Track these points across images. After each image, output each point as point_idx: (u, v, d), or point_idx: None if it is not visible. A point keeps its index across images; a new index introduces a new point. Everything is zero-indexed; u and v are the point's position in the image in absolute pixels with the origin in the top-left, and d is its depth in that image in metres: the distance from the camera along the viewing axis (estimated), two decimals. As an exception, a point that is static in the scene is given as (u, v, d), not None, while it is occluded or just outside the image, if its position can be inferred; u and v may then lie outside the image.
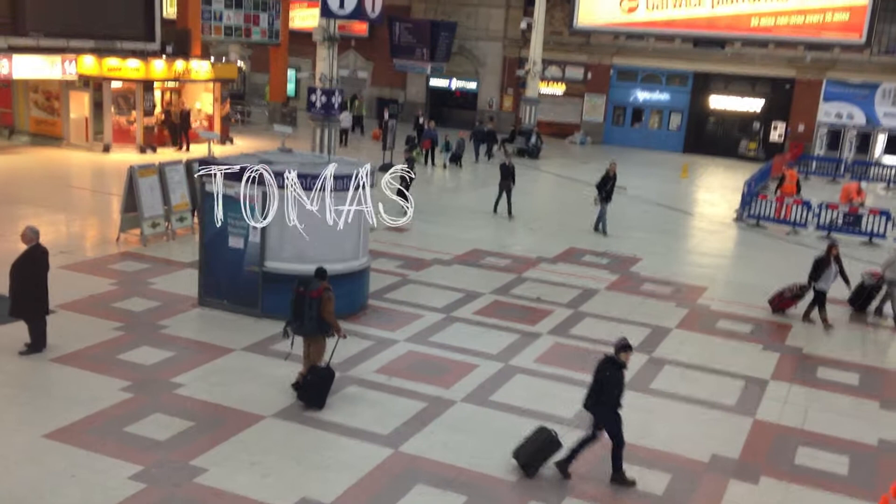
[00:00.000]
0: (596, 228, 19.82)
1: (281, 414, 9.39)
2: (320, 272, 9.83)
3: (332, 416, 9.41)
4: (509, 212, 20.58)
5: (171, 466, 8.12)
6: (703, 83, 36.52)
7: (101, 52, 24.98)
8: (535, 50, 32.91)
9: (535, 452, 8.60)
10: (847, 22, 32.69)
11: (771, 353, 12.61)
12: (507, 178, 20.58)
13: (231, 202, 12.10)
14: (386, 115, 30.66)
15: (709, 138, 37.03)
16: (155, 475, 7.94)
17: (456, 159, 28.40)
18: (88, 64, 24.63)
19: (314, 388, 9.59)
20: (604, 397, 8.46)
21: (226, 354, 10.93)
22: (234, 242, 12.22)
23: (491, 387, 10.57)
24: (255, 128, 33.90)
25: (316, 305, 9.53)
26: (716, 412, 10.36)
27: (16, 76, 23.79)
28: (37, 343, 10.44)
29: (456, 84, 39.91)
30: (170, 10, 33.62)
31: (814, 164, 32.79)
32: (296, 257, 12.09)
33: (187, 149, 26.04)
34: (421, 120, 31.54)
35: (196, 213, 16.14)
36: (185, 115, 26.75)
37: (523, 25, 35.02)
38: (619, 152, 35.56)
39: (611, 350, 8.67)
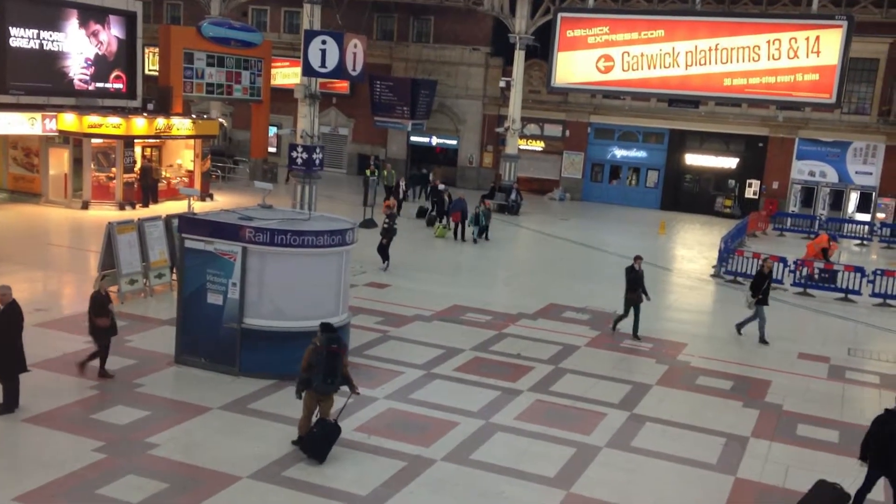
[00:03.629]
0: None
1: (257, 475, 9.21)
2: (331, 327, 9.85)
3: (310, 477, 9.25)
4: (635, 331, 15.90)
5: (144, 530, 7.92)
6: (679, 141, 37.21)
7: (81, 109, 25.09)
8: (514, 108, 33.50)
9: None
10: (817, 82, 33.50)
11: (751, 409, 12.61)
12: (638, 287, 15.83)
13: (211, 258, 12.07)
14: (372, 166, 31.18)
15: (685, 195, 37.59)
16: (127, 540, 7.74)
17: (484, 231, 25.52)
18: (69, 120, 24.71)
19: (322, 441, 9.59)
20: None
21: (202, 413, 10.76)
22: (213, 299, 12.14)
23: (472, 445, 10.45)
24: (235, 184, 33.99)
25: (340, 362, 9.64)
26: (697, 470, 10.30)
27: (-5, 132, 23.82)
28: (9, 403, 10.23)
29: (436, 141, 40.37)
30: (152, 67, 33.95)
31: (788, 220, 33.30)
32: (275, 314, 12.03)
33: (146, 205, 25.89)
34: (440, 186, 28.61)
35: (174, 270, 16.07)
36: (146, 171, 26.49)
37: (502, 84, 35.68)
38: (598, 209, 36.01)
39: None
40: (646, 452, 10.68)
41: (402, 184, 30.46)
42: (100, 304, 11.63)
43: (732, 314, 18.87)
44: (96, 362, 11.71)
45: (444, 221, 26.50)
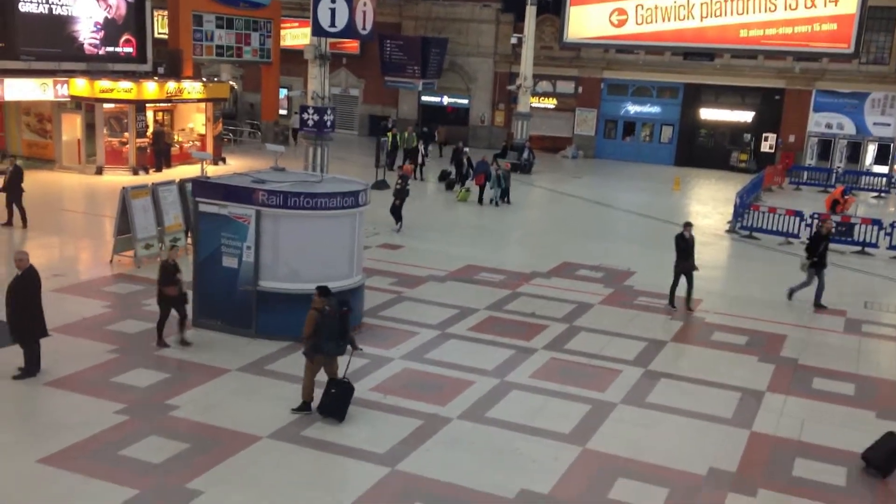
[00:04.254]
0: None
1: (276, 434, 9.35)
2: (329, 291, 9.88)
3: (328, 436, 9.38)
4: (688, 300, 15.09)
5: (167, 489, 8.07)
6: (694, 95, 36.73)
7: (92, 74, 25.03)
8: (526, 65, 33.11)
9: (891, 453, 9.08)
10: (835, 32, 32.89)
11: (766, 364, 12.62)
12: (689, 256, 15.05)
13: (225, 222, 12.11)
14: (389, 125, 30.64)
15: (700, 150, 37.20)
16: (150, 499, 7.89)
17: (505, 194, 24.94)
18: (80, 86, 24.68)
19: (341, 400, 9.72)
20: None
21: (221, 375, 10.89)
22: (228, 262, 12.20)
23: (487, 403, 10.54)
24: (247, 147, 33.94)
25: (349, 323, 9.81)
26: (712, 425, 10.35)
27: (7, 99, 23.82)
28: (31, 367, 10.39)
29: (448, 100, 40.05)
30: (161, 30, 33.74)
31: (805, 174, 32.94)
32: (290, 276, 12.08)
33: (159, 169, 25.90)
34: (464, 149, 27.54)
35: (189, 234, 16.15)
36: (158, 136, 26.44)
37: (513, 41, 35.24)
38: (611, 166, 35.75)
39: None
40: (661, 408, 10.74)
41: (422, 147, 29.95)
42: (168, 272, 11.56)
43: (748, 270, 18.83)
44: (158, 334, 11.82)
45: (466, 185, 25.92)
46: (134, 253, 15.71)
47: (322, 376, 9.89)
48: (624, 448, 9.55)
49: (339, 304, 9.75)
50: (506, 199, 24.86)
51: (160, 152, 26.29)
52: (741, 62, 34.93)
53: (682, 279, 15.06)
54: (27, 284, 10.26)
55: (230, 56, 32.42)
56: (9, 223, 17.75)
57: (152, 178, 23.90)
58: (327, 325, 9.58)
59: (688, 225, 15.24)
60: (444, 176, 27.51)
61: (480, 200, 24.77)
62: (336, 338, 9.69)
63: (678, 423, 10.36)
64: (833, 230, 15.79)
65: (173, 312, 11.75)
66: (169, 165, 26.37)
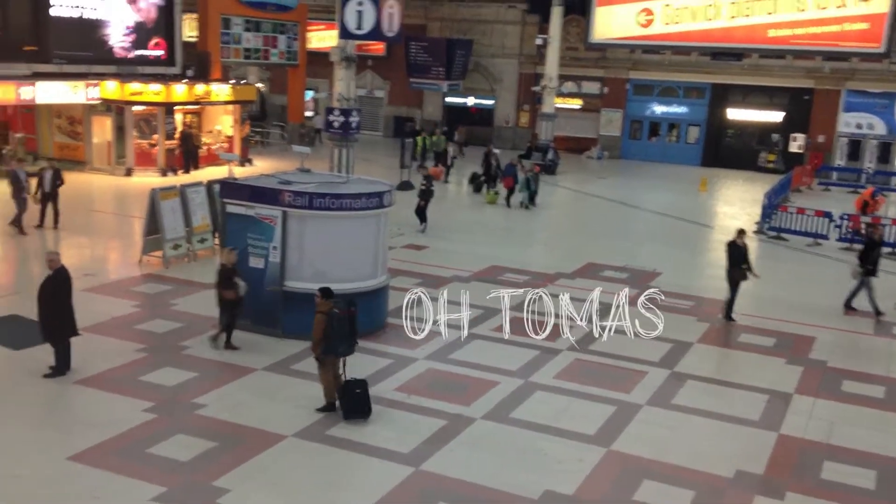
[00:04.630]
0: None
1: (301, 434, 9.41)
2: (332, 292, 9.95)
3: (352, 435, 9.43)
4: (729, 310, 14.47)
5: (194, 487, 8.16)
6: (721, 95, 36.41)
7: (123, 77, 25.37)
8: (551, 66, 33.03)
9: None
10: (866, 31, 32.46)
11: (794, 366, 12.48)
12: (741, 263, 14.36)
13: (252, 222, 12.23)
14: (417, 128, 30.46)
15: (727, 151, 36.85)
16: (177, 496, 7.99)
17: (533, 197, 24.53)
18: (111, 88, 25.02)
19: (366, 396, 9.80)
20: None
21: (247, 374, 10.99)
22: (255, 262, 12.31)
23: (511, 404, 10.54)
24: (273, 149, 34.20)
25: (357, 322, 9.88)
26: (739, 427, 10.26)
27: (39, 101, 24.21)
28: (61, 366, 10.56)
29: (472, 101, 40.05)
30: (190, 33, 34.11)
31: (834, 174, 32.54)
32: (315, 276, 12.15)
33: (187, 171, 26.18)
34: (494, 151, 27.10)
35: (216, 235, 16.32)
36: (186, 137, 26.67)
37: (539, 42, 35.15)
38: (637, 166, 35.55)
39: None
40: (687, 410, 10.66)
41: (451, 150, 29.66)
42: (226, 276, 11.52)
43: (776, 271, 18.60)
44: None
45: (495, 187, 25.45)
46: (162, 253, 15.90)
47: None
48: (649, 449, 9.50)
49: (347, 304, 9.84)
50: (533, 201, 24.56)
51: (188, 154, 26.56)
52: (769, 62, 34.57)
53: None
54: (58, 284, 10.43)
55: (257, 58, 32.69)
56: (41, 224, 18.03)
57: (181, 179, 24.17)
58: (339, 327, 9.65)
59: (741, 232, 14.64)
60: (473, 178, 27.16)
61: (508, 203, 24.46)
62: (347, 338, 9.77)
63: (705, 425, 10.28)
64: (882, 236, 15.39)
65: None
66: (197, 167, 26.64)
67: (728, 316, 14.37)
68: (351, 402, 9.79)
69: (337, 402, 9.88)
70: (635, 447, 9.54)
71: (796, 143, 35.32)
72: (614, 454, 9.38)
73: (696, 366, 12.26)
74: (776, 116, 35.84)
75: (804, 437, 10.11)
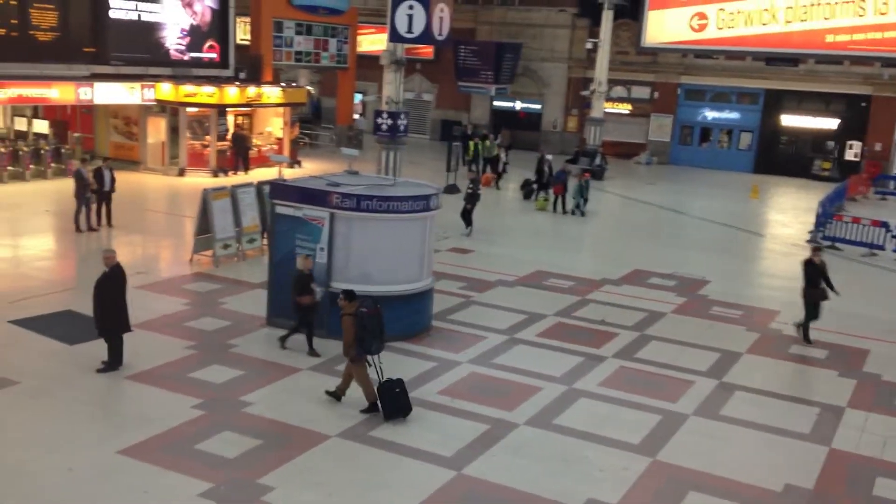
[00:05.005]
0: None
1: (345, 434, 9.48)
2: (355, 294, 10.18)
3: (396, 437, 9.47)
4: (805, 330, 13.71)
5: (239, 484, 8.28)
6: (775, 101, 35.73)
7: (177, 79, 25.89)
8: (601, 70, 32.77)
9: None
10: (927, 37, 31.55)
11: (847, 379, 12.18)
12: (819, 283, 13.58)
13: (300, 224, 12.37)
14: (468, 132, 30.04)
15: (780, 158, 36.13)
16: (223, 493, 8.11)
17: (584, 204, 24.10)
18: (166, 90, 25.56)
19: (404, 398, 9.91)
20: None
21: (293, 374, 11.11)
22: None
23: (554, 410, 10.47)
24: (321, 151, 34.54)
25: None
26: (789, 440, 10.05)
27: (97, 102, 24.85)
28: (114, 361, 10.81)
29: (520, 105, 39.95)
30: (243, 36, 34.68)
31: (892, 183, 31.65)
32: (361, 278, 12.24)
33: (243, 171, 26.60)
34: (547, 157, 26.20)
35: (265, 235, 16.54)
36: (239, 139, 27.07)
37: (588, 46, 34.92)
38: (687, 172, 35.07)
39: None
40: (735, 421, 10.48)
41: (504, 156, 29.11)
42: (303, 282, 11.56)
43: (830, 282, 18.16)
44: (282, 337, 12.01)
45: (545, 194, 24.94)
46: (212, 252, 16.17)
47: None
48: (696, 461, 9.36)
49: (373, 303, 9.99)
50: (580, 210, 23.98)
51: (241, 155, 26.99)
52: (826, 67, 33.83)
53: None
54: (114, 281, 10.68)
55: (308, 61, 33.06)
56: (98, 226, 18.35)
57: (232, 180, 24.56)
58: (370, 325, 9.78)
59: (817, 250, 14.07)
60: (525, 184, 26.44)
61: (555, 208, 24.15)
62: (378, 336, 9.91)
63: (753, 437, 10.09)
64: None
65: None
66: (248, 168, 27.05)
67: (806, 338, 13.59)
68: (391, 402, 9.87)
69: (378, 403, 9.95)
70: (681, 458, 9.40)
71: (852, 151, 34.48)
72: (660, 464, 9.26)
73: (745, 376, 12.04)
74: (832, 123, 35.04)
75: (856, 451, 9.86)
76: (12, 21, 22.42)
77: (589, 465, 9.14)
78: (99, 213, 18.49)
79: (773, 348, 13.41)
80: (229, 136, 27.04)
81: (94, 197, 18.31)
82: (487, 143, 30.09)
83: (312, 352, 11.75)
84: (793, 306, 15.77)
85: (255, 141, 28.48)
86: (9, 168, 23.22)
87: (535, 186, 25.88)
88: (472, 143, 29.51)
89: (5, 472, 8.26)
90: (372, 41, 38.85)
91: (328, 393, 10.28)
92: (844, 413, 10.95)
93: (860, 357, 13.17)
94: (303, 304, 11.62)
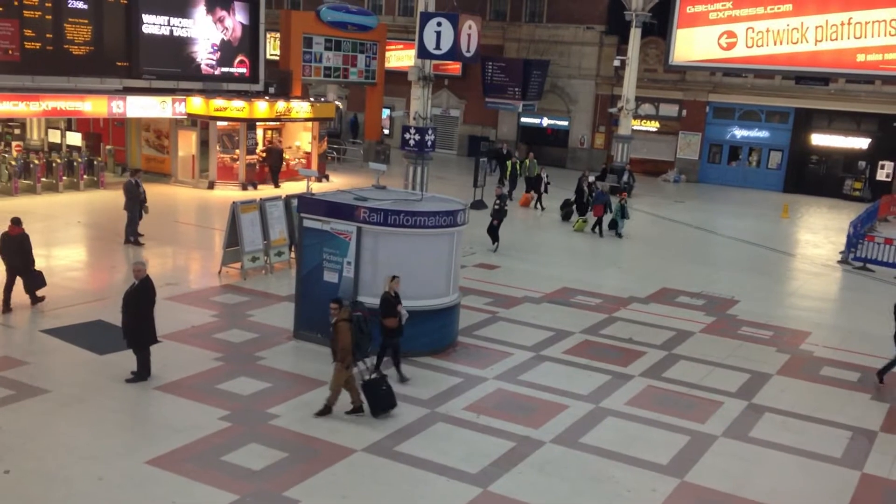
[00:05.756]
0: None
1: (371, 448, 9.47)
2: (342, 300, 10.43)
3: (421, 452, 9.44)
4: (884, 372, 12.76)
5: (265, 496, 8.29)
6: (805, 120, 35.41)
7: (208, 93, 26.22)
8: (629, 87, 32.68)
9: None
10: (961, 56, 31.13)
11: (880, 403, 11.97)
12: None
13: (327, 238, 12.43)
14: (514, 157, 29.04)
15: (811, 177, 35.76)
16: (249, 504, 8.13)
17: (614, 225, 23.53)
18: (196, 104, 25.89)
19: (391, 394, 10.22)
20: None
21: (319, 387, 11.09)
22: (329, 277, 12.50)
23: (581, 429, 10.39)
24: (349, 165, 34.76)
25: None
26: (820, 464, 9.88)
27: (129, 115, 25.22)
28: (142, 372, 10.90)
29: (547, 122, 39.95)
30: (273, 51, 35.06)
31: (925, 204, 31.14)
32: (388, 293, 12.25)
33: (276, 185, 26.86)
34: (590, 178, 25.75)
35: (293, 248, 16.64)
36: (272, 153, 27.35)
37: (616, 63, 34.86)
38: (715, 191, 34.82)
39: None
40: (765, 443, 10.32)
41: (545, 176, 27.76)
42: (389, 304, 11.20)
43: (861, 303, 17.93)
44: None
45: (585, 215, 24.21)
46: (241, 265, 16.29)
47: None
48: (725, 483, 9.22)
49: (360, 307, 10.33)
50: (614, 230, 23.43)
51: (274, 169, 27.20)
52: (857, 87, 33.48)
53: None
54: (143, 294, 10.78)
55: (337, 77, 33.36)
56: (141, 242, 18.50)
57: (261, 193, 24.74)
58: (365, 328, 10.06)
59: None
60: (565, 205, 25.32)
61: (595, 230, 23.33)
62: (367, 339, 10.19)
63: (783, 460, 9.93)
64: None
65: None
66: (276, 182, 27.26)
67: (881, 377, 12.79)
68: (379, 399, 10.11)
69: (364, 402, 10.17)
70: (710, 479, 9.28)
71: (884, 171, 34.03)
72: (688, 485, 9.14)
73: (775, 398, 11.87)
74: (863, 143, 34.64)
75: (889, 477, 9.67)
76: (47, 35, 22.87)
77: (616, 485, 9.05)
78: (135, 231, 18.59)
79: (803, 370, 13.21)
80: (259, 151, 27.29)
81: (146, 208, 18.41)
82: (527, 161, 29.21)
83: (402, 377, 11.41)
84: (823, 327, 15.60)
85: (284, 154, 28.71)
86: (42, 179, 23.61)
87: (574, 207, 24.95)
88: (509, 163, 28.76)
89: (38, 479, 8.35)
90: (400, 57, 39.14)
91: (350, 413, 10.24)
92: (877, 437, 10.75)
93: (893, 381, 12.91)
94: (387, 326, 11.24)
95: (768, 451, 10.13)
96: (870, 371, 13.24)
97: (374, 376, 10.26)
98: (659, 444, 10.07)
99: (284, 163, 28.35)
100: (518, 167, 29.12)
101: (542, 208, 26.74)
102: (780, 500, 8.91)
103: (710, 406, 11.39)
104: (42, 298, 13.65)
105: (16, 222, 13.48)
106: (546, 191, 27.41)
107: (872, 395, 12.25)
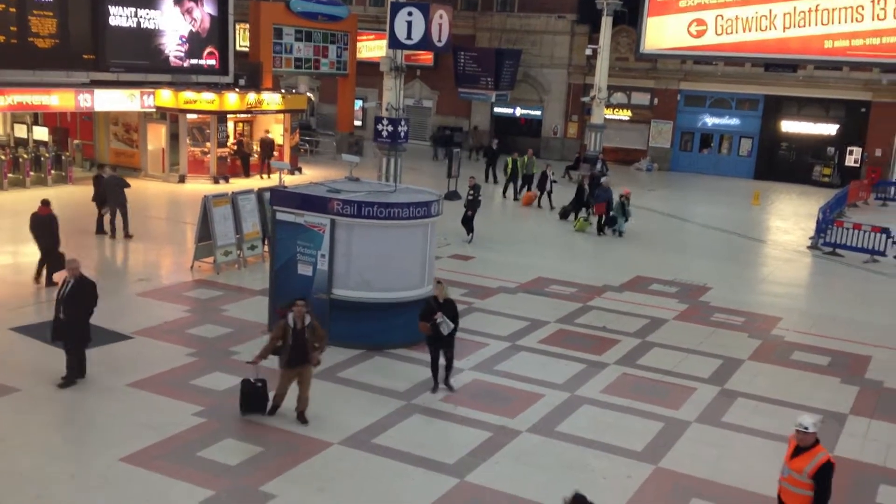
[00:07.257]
0: None
1: (348, 441, 9.46)
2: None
3: (399, 445, 9.44)
4: None
5: (241, 492, 8.25)
6: (775, 107, 35.78)
7: (177, 86, 25.91)
8: (601, 76, 32.77)
9: None
10: (926, 43, 31.59)
11: (850, 386, 12.16)
12: None
13: (301, 230, 12.36)
14: (515, 155, 27.87)
15: (781, 164, 36.17)
16: (224, 500, 8.08)
17: (612, 222, 22.53)
18: (165, 97, 25.58)
19: (265, 396, 10.00)
20: None
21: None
22: (303, 270, 12.44)
23: (557, 417, 10.45)
24: (322, 157, 34.56)
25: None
26: (792, 447, 10.00)
27: (97, 109, 24.85)
28: (78, 371, 10.51)
29: (520, 111, 39.99)
30: (242, 43, 34.70)
31: (892, 189, 31.67)
32: (362, 285, 12.24)
33: (248, 176, 27.05)
34: (598, 169, 24.68)
35: (266, 242, 16.53)
36: (244, 146, 27.64)
37: (588, 52, 34.93)
38: (687, 179, 35.10)
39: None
40: (737, 428, 10.45)
41: (551, 174, 26.12)
42: (426, 310, 10.89)
43: (831, 288, 18.20)
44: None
45: (586, 213, 23.33)
46: (214, 259, 16.15)
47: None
48: (699, 468, 9.33)
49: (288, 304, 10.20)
50: (614, 229, 22.48)
51: (245, 161, 27.15)
52: (825, 73, 33.88)
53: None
54: (80, 292, 10.38)
55: (308, 68, 33.12)
56: (112, 235, 18.35)
57: (233, 186, 24.55)
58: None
59: None
60: (564, 214, 24.04)
61: (600, 230, 22.32)
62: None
63: (756, 444, 10.06)
64: None
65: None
66: (248, 175, 27.09)
67: None
68: (251, 399, 9.91)
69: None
70: (684, 465, 9.38)
71: (852, 157, 34.51)
72: (663, 471, 9.23)
73: (747, 383, 12.02)
74: (831, 129, 35.09)
75: (859, 459, 9.84)
76: (12, 28, 22.44)
77: (592, 472, 9.12)
78: (113, 223, 18.36)
79: (775, 355, 13.38)
80: (231, 143, 27.09)
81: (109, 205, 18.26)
82: (526, 159, 27.84)
83: (448, 387, 11.07)
84: (794, 312, 15.82)
85: (255, 147, 28.52)
86: (9, 175, 23.21)
87: (571, 206, 23.93)
88: (509, 160, 27.47)
89: (8, 478, 8.24)
90: (371, 48, 38.95)
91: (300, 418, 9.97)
92: (847, 420, 10.93)
93: (862, 364, 13.14)
94: (421, 332, 11.00)
95: (741, 436, 10.26)
96: (839, 355, 13.45)
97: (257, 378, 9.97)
98: (634, 431, 10.16)
99: (256, 155, 28.18)
100: (518, 165, 27.73)
101: (552, 207, 25.46)
102: (752, 484, 9.02)
103: (683, 392, 11.51)
104: (56, 283, 13.39)
105: (45, 203, 14.51)
106: (552, 190, 26.14)
107: (842, 379, 12.44)
